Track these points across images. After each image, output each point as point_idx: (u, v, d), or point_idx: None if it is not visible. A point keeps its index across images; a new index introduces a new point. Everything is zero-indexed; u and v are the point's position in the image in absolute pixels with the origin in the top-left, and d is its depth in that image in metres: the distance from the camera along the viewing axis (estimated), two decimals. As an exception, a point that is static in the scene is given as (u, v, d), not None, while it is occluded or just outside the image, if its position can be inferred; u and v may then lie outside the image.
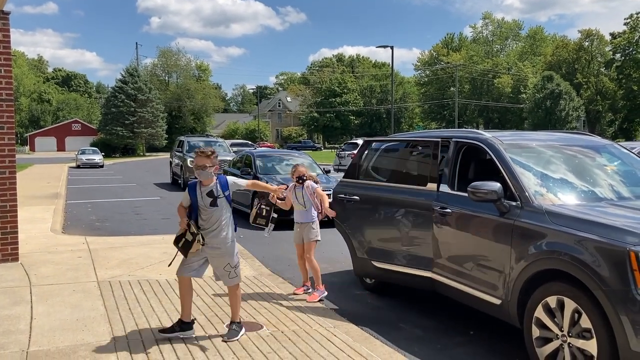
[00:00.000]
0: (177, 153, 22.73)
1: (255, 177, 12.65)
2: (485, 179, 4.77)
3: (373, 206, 6.20)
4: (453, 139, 5.67)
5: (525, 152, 5.15)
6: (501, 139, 5.24)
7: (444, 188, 5.51)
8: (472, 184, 4.75)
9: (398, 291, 6.73)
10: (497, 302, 4.64)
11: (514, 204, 4.60)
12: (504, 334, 5.19)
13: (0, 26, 7.36)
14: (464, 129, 6.25)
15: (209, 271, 7.30)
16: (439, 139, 5.69)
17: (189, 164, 19.93)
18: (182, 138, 24.27)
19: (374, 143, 6.87)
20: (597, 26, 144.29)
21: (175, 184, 22.62)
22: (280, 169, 13.39)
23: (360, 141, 26.06)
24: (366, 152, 6.79)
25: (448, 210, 5.28)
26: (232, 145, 32.66)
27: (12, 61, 7.75)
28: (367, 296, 6.58)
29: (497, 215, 4.67)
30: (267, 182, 11.98)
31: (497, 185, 4.59)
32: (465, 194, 4.89)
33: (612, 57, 71.00)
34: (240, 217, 13.00)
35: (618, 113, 70.64)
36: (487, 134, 5.37)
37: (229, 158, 20.51)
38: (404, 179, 6.03)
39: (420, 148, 6.13)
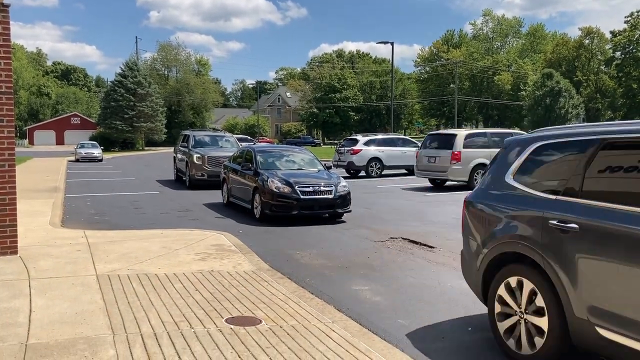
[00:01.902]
0: (181, 148, 21.20)
1: (256, 173, 12.42)
2: None
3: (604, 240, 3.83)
4: None
5: None
6: None
7: None
8: None
9: (397, 288, 6.75)
10: None
11: None
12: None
13: (0, 18, 7.34)
14: None
15: (208, 266, 7.32)
16: None
17: (195, 160, 18.95)
18: (187, 132, 22.57)
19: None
20: (598, 24, 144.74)
21: (179, 181, 21.27)
22: (281, 165, 13.11)
23: (360, 137, 25.06)
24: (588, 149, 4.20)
25: None
26: None
27: (12, 54, 7.72)
28: (365, 292, 6.59)
29: None
30: (267, 178, 11.83)
31: None
32: None
33: (612, 55, 71.09)
34: (241, 213, 13.01)
35: (617, 111, 70.73)
36: None
37: None
38: None
39: None
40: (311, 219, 11.76)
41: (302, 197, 11.42)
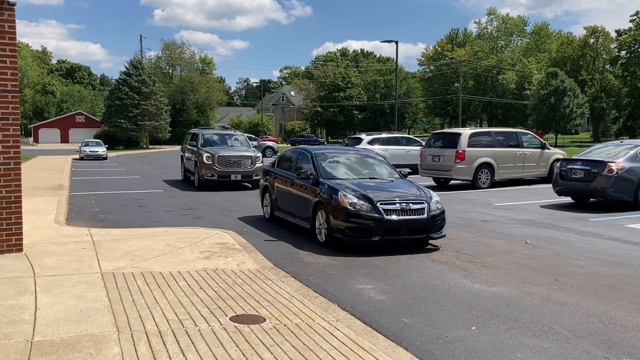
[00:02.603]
0: (189, 147, 20.20)
1: (317, 182, 9.54)
2: None
3: None
4: None
5: None
6: None
7: None
8: None
9: (401, 286, 6.75)
10: None
11: None
12: (506, 330, 5.20)
13: (5, 17, 7.36)
14: None
15: (213, 265, 7.34)
16: None
17: (204, 160, 18.05)
18: (195, 130, 21.49)
19: None
20: (603, 23, 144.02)
21: (187, 181, 20.46)
22: (347, 172, 10.07)
23: (364, 136, 25.11)
24: None
25: None
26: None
27: (17, 52, 7.75)
28: (369, 290, 6.60)
29: None
30: (337, 190, 8.86)
31: None
32: None
33: (617, 54, 70.82)
34: (245, 212, 12.99)
35: (622, 110, 70.43)
36: None
37: (248, 154, 18.56)
38: None
39: None
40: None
41: (386, 217, 8.46)
